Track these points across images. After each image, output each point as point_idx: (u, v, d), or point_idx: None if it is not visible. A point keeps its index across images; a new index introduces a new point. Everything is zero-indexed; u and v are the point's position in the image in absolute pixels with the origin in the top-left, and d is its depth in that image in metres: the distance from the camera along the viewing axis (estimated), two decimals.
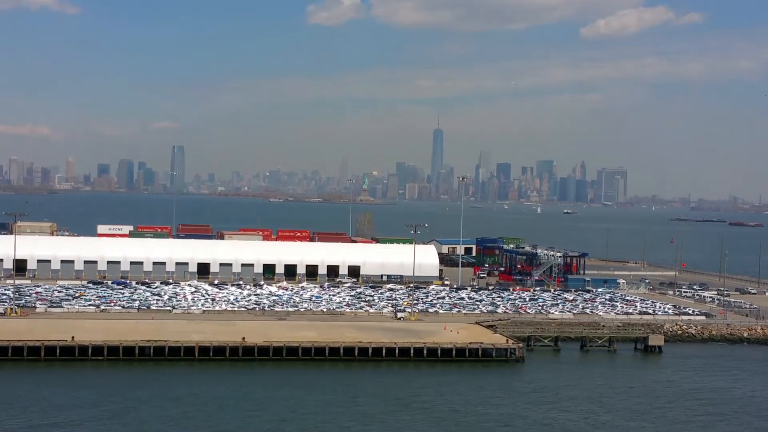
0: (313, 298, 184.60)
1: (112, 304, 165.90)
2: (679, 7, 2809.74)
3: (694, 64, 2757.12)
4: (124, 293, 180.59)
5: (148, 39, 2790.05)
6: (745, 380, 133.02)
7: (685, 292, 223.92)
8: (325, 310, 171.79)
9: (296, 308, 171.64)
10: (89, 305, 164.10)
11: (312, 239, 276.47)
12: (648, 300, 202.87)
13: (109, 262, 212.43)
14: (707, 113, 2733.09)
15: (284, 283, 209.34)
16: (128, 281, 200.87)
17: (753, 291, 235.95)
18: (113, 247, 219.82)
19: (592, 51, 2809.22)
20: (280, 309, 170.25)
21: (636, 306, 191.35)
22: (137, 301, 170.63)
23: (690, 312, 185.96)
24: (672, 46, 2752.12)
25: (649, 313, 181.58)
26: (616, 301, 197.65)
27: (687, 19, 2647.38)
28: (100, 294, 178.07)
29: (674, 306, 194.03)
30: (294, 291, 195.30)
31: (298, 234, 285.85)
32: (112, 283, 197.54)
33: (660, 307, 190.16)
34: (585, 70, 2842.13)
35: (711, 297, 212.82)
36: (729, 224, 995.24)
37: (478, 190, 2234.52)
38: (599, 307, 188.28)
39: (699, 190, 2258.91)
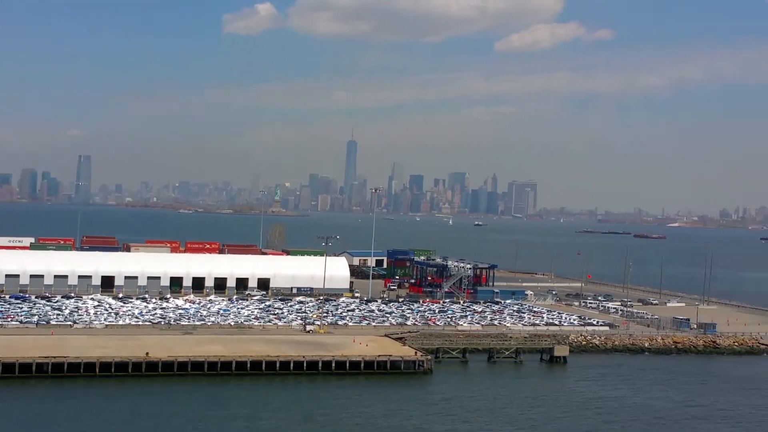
0: (221, 312, 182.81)
1: (10, 319, 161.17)
2: (590, 24, 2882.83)
3: (604, 78, 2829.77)
4: (22, 308, 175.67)
5: (54, 46, 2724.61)
6: (643, 389, 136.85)
7: (590, 303, 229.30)
8: (233, 323, 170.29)
9: (203, 322, 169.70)
10: None
11: (221, 251, 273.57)
12: (554, 311, 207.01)
13: (7, 276, 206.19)
14: (615, 127, 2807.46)
15: (191, 296, 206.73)
16: (27, 295, 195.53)
17: (655, 302, 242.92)
18: (12, 259, 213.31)
19: (506, 64, 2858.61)
20: (186, 323, 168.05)
21: (543, 317, 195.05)
22: (36, 316, 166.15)
23: (594, 323, 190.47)
24: (583, 61, 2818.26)
25: (556, 324, 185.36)
26: (524, 313, 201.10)
27: (598, 35, 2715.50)
28: None
29: (579, 317, 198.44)
30: (201, 304, 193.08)
31: (207, 246, 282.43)
32: (9, 297, 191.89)
33: (566, 318, 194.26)
34: (499, 83, 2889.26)
35: (615, 308, 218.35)
36: (634, 236, 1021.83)
37: (391, 202, 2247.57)
38: (507, 318, 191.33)
39: (605, 203, 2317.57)
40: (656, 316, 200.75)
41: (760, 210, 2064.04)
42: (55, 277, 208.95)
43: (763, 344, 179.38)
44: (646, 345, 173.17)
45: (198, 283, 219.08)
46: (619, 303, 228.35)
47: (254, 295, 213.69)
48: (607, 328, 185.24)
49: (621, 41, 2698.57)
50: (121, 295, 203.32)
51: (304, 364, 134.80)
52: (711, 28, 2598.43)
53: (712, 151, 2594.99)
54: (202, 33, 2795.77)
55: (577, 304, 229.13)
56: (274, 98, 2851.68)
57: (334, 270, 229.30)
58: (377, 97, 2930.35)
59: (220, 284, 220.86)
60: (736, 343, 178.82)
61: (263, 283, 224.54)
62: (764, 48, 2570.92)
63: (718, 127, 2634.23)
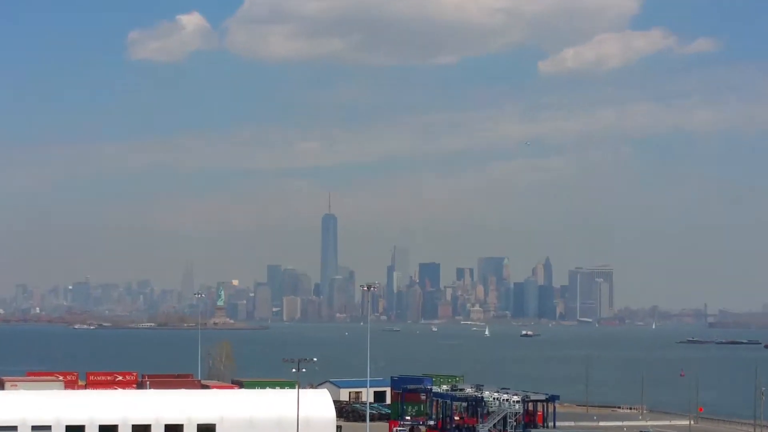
0: None
1: None
2: (683, 31, 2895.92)
3: (704, 111, 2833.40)
4: None
5: None
6: None
7: None
8: None
9: None
10: None
11: (141, 385, 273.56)
12: None
13: None
14: (726, 185, 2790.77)
15: None
16: None
17: None
18: None
19: (555, 94, 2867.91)
20: None
21: None
22: None
23: None
24: (672, 85, 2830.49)
25: None
26: None
27: (694, 47, 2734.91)
28: None
29: None
30: None
31: (119, 378, 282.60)
32: None
33: None
34: (544, 121, 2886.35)
35: None
36: (765, 347, 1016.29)
37: (393, 305, 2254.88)
38: None
39: (720, 299, 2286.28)
40: None
41: None
42: None
43: None
44: None
45: None
46: None
47: None
48: None
49: (728, 55, 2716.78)
50: None
51: None
52: None
53: None
54: (102, 61, 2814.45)
55: None
56: (207, 156, 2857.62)
57: (313, 409, 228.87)
58: (363, 149, 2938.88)
59: None
60: None
61: None
62: None
63: None
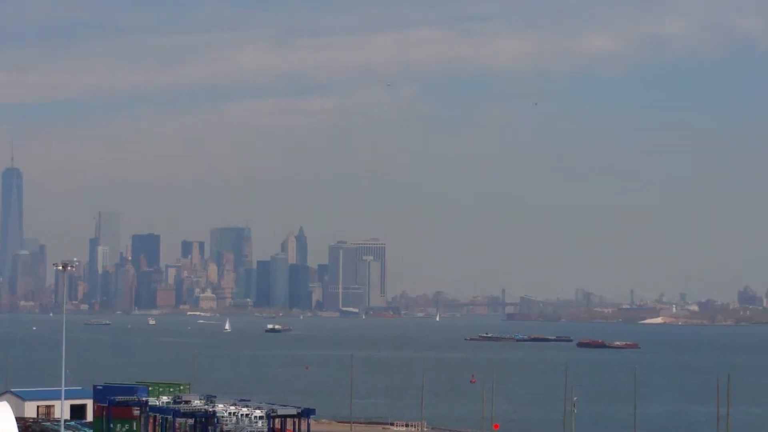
0: None
1: None
2: None
3: (509, 40, 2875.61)
4: None
5: None
6: None
7: None
8: None
9: None
10: None
11: None
12: None
13: None
14: (537, 133, 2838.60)
15: None
16: None
17: None
18: None
19: (315, 13, 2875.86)
20: None
21: None
22: None
23: None
24: (468, 5, 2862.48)
25: None
26: None
27: None
28: None
29: None
30: None
31: None
32: None
33: None
34: (301, 49, 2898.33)
35: None
36: (577, 345, 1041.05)
37: (97, 290, 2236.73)
38: None
39: (521, 283, 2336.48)
40: None
41: None
42: None
43: None
44: None
45: None
46: None
47: None
48: None
49: None
50: None
51: None
52: None
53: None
54: None
55: None
56: None
57: None
58: (59, 81, 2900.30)
59: None
60: None
61: None
62: None
63: None
